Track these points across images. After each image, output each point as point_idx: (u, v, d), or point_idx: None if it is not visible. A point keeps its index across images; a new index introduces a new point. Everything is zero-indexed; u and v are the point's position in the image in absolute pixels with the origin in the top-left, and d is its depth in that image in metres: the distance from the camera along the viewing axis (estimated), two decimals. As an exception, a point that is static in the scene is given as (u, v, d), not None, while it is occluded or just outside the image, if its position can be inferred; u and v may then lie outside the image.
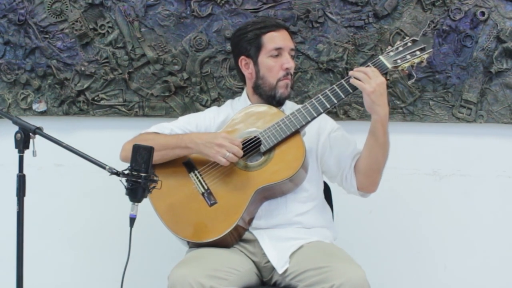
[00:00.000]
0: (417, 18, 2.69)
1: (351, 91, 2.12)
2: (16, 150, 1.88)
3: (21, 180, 1.87)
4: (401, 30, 2.69)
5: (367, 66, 2.13)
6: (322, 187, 2.33)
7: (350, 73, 2.10)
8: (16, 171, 1.88)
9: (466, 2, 2.67)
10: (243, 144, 2.14)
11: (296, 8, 2.70)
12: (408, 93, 2.73)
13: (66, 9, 2.75)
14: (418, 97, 2.73)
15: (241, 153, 2.08)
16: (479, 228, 2.78)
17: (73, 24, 2.74)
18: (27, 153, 1.89)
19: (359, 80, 2.06)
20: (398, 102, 2.73)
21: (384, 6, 2.69)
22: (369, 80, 2.04)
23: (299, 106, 2.21)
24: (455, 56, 2.70)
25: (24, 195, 1.87)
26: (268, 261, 2.13)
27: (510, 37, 2.67)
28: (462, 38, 2.69)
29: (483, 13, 2.67)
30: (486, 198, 2.77)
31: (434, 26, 2.68)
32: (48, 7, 2.75)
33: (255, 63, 2.24)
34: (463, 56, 2.70)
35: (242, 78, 2.33)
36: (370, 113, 2.09)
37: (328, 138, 2.26)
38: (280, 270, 2.08)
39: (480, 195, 2.77)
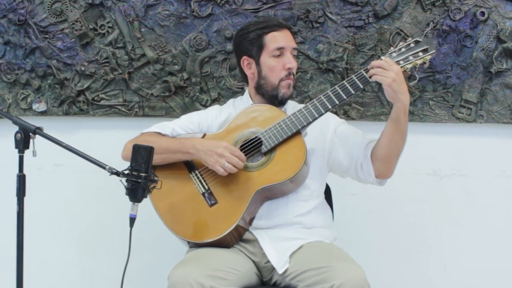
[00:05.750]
0: (417, 18, 2.69)
1: (353, 92, 2.12)
2: (16, 150, 1.88)
3: (21, 180, 1.87)
4: (401, 30, 2.69)
5: (379, 58, 2.11)
6: (324, 186, 2.33)
7: (371, 71, 2.07)
8: (16, 171, 1.88)
9: (466, 2, 2.67)
10: (244, 144, 2.15)
11: (296, 8, 2.70)
12: (408, 93, 2.73)
13: (66, 9, 2.74)
14: (418, 97, 2.72)
15: (241, 164, 2.08)
16: (479, 228, 2.78)
17: (73, 24, 2.74)
18: (27, 153, 1.89)
19: (376, 74, 2.06)
20: (398, 102, 2.73)
21: (384, 6, 2.69)
22: (386, 72, 2.04)
23: (301, 106, 2.21)
24: (455, 56, 2.70)
25: (24, 195, 1.87)
26: (268, 261, 2.12)
27: (510, 37, 2.67)
28: (462, 38, 2.69)
29: (483, 13, 2.67)
30: (486, 198, 2.77)
31: (434, 26, 2.68)
32: (48, 7, 2.74)
33: (257, 63, 2.23)
34: (463, 56, 2.70)
35: (244, 78, 2.33)
36: (393, 102, 2.08)
37: (335, 134, 2.26)
38: (280, 270, 2.08)
39: (480, 195, 2.77)
